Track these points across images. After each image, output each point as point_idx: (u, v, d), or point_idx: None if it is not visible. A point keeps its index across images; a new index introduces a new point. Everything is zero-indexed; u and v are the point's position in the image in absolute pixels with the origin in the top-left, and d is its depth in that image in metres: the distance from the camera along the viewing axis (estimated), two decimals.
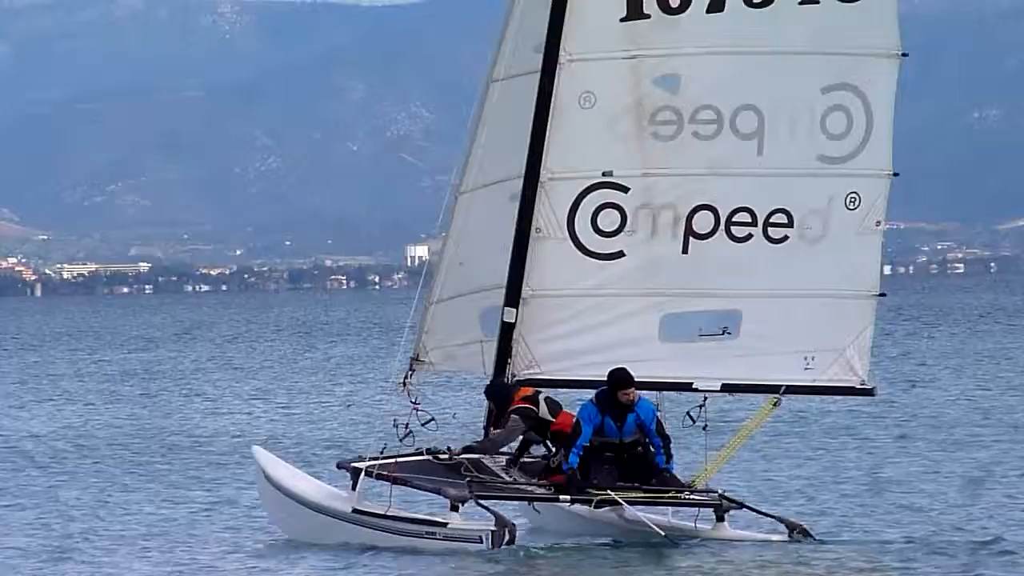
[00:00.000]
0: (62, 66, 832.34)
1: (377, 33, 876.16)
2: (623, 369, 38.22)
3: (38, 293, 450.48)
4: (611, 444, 38.38)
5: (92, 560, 38.01)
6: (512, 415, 38.07)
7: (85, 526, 42.86)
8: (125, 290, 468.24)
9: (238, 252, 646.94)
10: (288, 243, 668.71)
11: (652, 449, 38.66)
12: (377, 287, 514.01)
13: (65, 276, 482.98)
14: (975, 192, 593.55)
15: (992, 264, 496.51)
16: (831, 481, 49.04)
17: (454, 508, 38.39)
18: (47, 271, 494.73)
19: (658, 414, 38.44)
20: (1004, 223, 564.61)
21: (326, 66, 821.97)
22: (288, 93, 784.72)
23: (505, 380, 39.12)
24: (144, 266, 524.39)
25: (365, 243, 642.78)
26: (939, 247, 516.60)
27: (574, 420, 38.71)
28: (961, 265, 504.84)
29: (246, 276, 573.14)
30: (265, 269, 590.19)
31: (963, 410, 77.21)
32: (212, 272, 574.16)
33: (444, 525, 38.64)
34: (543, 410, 38.13)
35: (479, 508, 38.65)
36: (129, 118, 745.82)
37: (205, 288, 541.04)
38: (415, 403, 39.28)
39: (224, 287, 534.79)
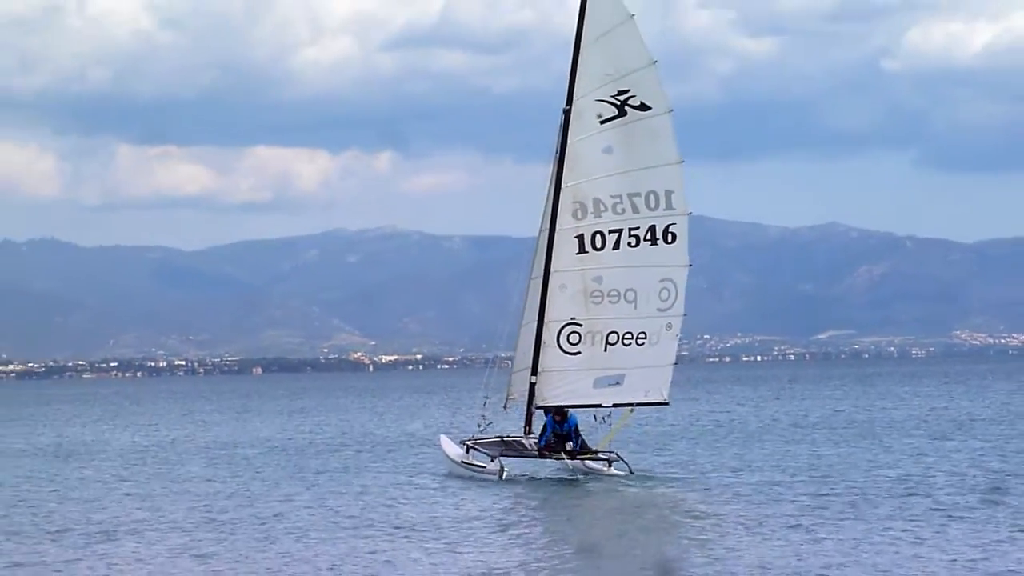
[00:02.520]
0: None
1: None
2: (561, 407, 64.11)
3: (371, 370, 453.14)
4: (560, 435, 63.55)
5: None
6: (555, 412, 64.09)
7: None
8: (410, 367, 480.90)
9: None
10: None
11: (574, 436, 63.51)
12: None
13: (384, 361, 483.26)
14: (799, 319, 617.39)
15: (806, 356, 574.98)
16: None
17: (492, 459, 64.59)
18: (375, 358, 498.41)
19: (578, 421, 64.58)
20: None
21: None
22: None
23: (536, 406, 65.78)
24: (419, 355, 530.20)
25: None
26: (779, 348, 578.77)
27: (543, 425, 65.19)
28: (793, 356, 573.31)
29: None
30: None
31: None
32: None
33: (483, 468, 65.03)
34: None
35: (507, 459, 64.54)
36: None
37: None
38: (484, 416, 66.00)
39: None
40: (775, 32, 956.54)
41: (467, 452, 66.68)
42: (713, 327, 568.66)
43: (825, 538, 45.63)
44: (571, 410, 64.23)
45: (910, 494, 57.63)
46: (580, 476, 63.51)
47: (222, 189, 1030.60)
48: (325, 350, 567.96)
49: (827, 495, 57.48)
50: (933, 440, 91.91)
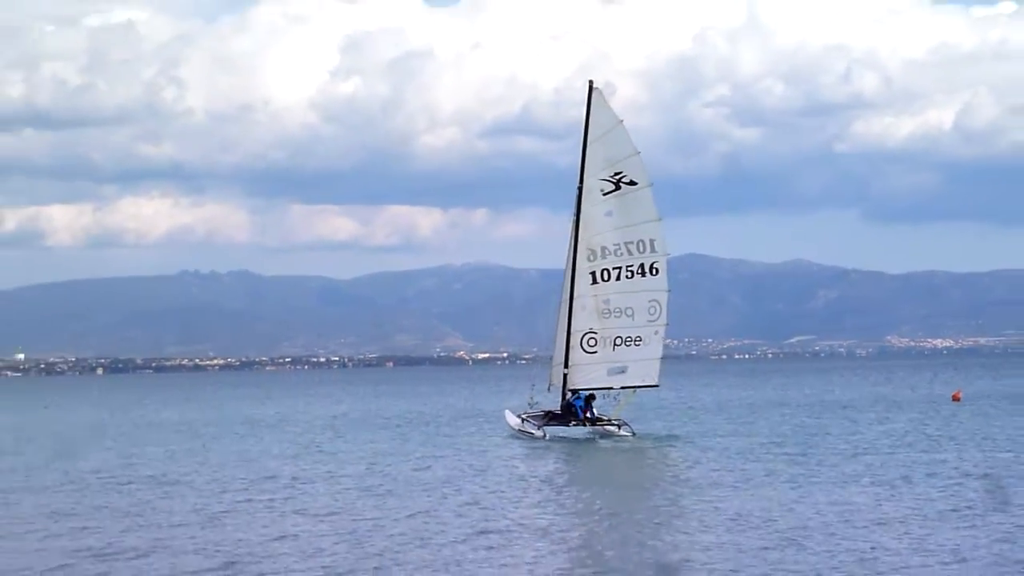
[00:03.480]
0: None
1: None
2: (578, 390, 64.11)
3: (470, 364, 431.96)
4: (572, 407, 63.47)
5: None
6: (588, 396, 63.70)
7: None
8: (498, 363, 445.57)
9: None
10: None
11: (583, 409, 63.26)
12: None
13: (479, 357, 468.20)
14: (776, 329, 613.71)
15: (780, 355, 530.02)
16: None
17: (540, 428, 64.28)
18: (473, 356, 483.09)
19: (590, 396, 64.11)
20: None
21: None
22: None
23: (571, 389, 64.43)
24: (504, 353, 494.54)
25: None
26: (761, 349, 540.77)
27: (573, 401, 64.37)
28: (771, 355, 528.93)
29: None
30: None
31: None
32: None
33: (531, 435, 64.37)
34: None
35: (546, 430, 63.96)
36: None
37: None
38: (532, 396, 65.93)
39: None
40: (759, 124, 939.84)
41: (522, 423, 66.93)
42: (714, 334, 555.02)
43: (797, 492, 42.82)
44: (583, 391, 64.59)
45: (865, 454, 56.04)
46: (598, 438, 63.60)
47: (365, 235, 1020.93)
48: (438, 349, 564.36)
49: (796, 455, 55.54)
50: (879, 413, 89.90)
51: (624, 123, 65.09)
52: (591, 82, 64.67)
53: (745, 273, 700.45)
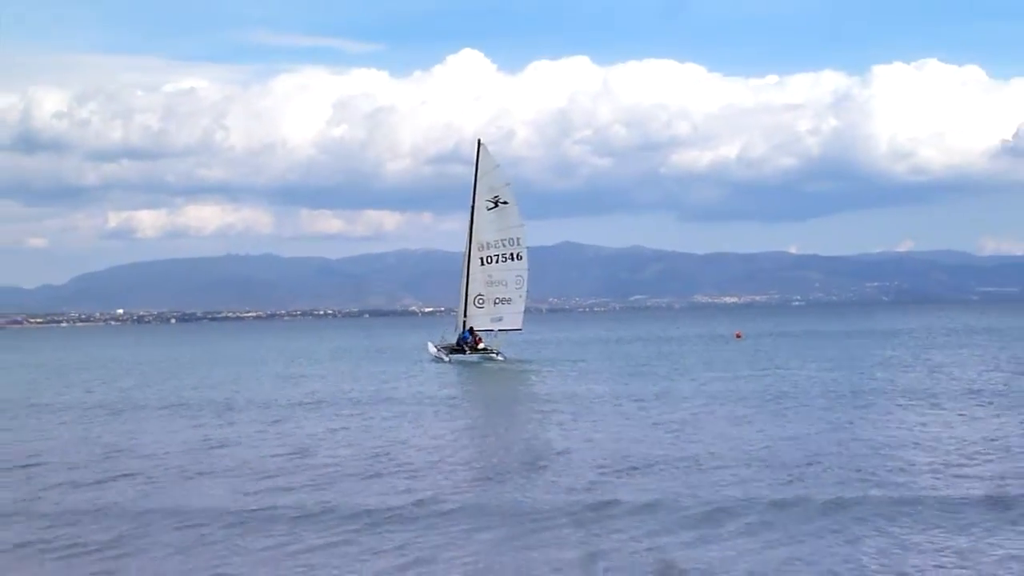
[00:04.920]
0: None
1: None
2: (471, 329, 63.10)
3: (420, 316, 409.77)
4: (468, 342, 62.63)
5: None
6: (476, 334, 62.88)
7: None
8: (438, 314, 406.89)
9: None
10: None
11: (471, 343, 62.25)
12: None
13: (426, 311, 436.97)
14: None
15: (617, 308, 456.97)
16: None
17: (447, 355, 63.31)
18: (423, 310, 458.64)
19: (471, 330, 62.92)
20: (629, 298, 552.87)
21: None
22: None
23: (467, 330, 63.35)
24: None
25: None
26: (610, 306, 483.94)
27: (459, 337, 63.53)
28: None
29: None
30: None
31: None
32: None
33: (441, 359, 63.41)
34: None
35: (451, 357, 62.45)
36: None
37: None
38: (443, 336, 65.82)
39: None
40: (610, 156, 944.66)
41: (436, 351, 66.25)
42: (580, 295, 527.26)
43: (624, 387, 42.59)
44: (475, 330, 63.94)
45: (675, 369, 56.15)
46: (483, 362, 62.20)
47: (349, 230, 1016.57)
48: (398, 306, 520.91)
49: (624, 373, 53.49)
50: (681, 345, 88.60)
51: (499, 167, 65.15)
52: (479, 140, 64.75)
53: (600, 254, 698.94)
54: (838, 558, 14.88)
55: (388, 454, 25.56)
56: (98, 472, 23.79)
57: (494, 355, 62.62)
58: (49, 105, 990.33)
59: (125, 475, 23.15)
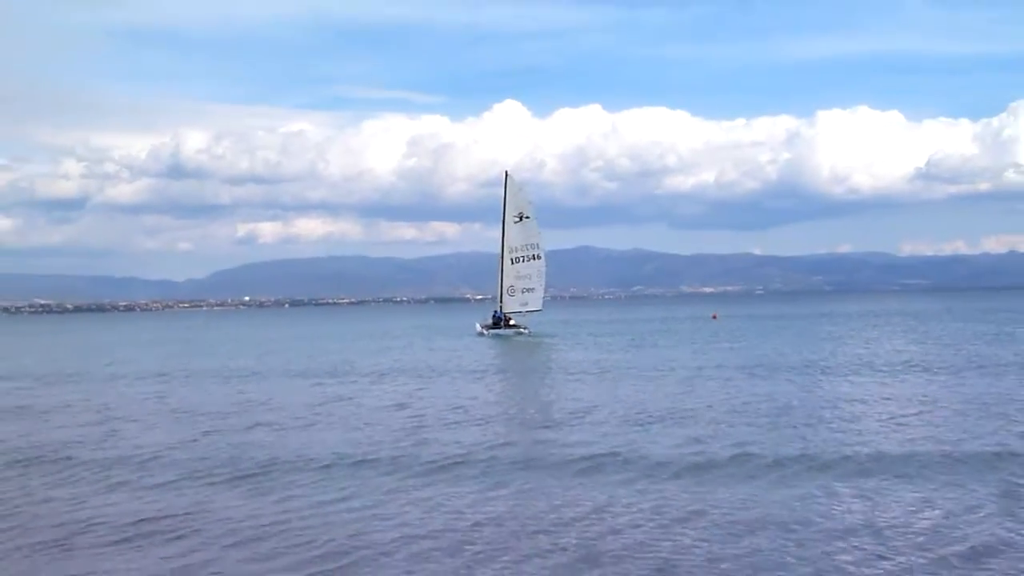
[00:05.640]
0: None
1: None
2: (507, 314, 62.12)
3: (473, 302, 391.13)
4: (501, 320, 62.25)
5: None
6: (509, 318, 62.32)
7: None
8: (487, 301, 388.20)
9: None
10: None
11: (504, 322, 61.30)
12: None
13: (477, 298, 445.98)
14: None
15: (623, 297, 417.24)
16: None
17: (487, 331, 62.62)
18: (475, 297, 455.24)
19: (507, 315, 61.71)
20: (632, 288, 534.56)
21: None
22: None
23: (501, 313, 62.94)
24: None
25: None
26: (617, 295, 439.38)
27: (494, 317, 62.67)
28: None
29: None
30: None
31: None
32: None
33: (483, 334, 62.55)
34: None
35: (490, 332, 61.87)
36: None
37: None
38: (485, 319, 65.08)
39: None
40: (617, 180, 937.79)
41: (481, 328, 65.24)
42: (595, 286, 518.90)
43: (626, 357, 41.05)
44: (506, 313, 63.06)
45: (673, 342, 54.64)
46: (515, 336, 61.08)
47: (419, 236, 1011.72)
48: (458, 294, 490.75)
49: (626, 345, 51.98)
50: (670, 323, 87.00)
51: (522, 190, 64.46)
52: (506, 172, 64.04)
53: (609, 255, 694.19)
54: (786, 498, 13.52)
55: (462, 407, 24.95)
56: (243, 420, 23.54)
57: (522, 330, 61.40)
58: (192, 143, 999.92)
59: (262, 424, 22.80)
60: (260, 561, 11.12)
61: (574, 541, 11.56)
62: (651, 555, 10.96)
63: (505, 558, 10.98)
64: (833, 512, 12.62)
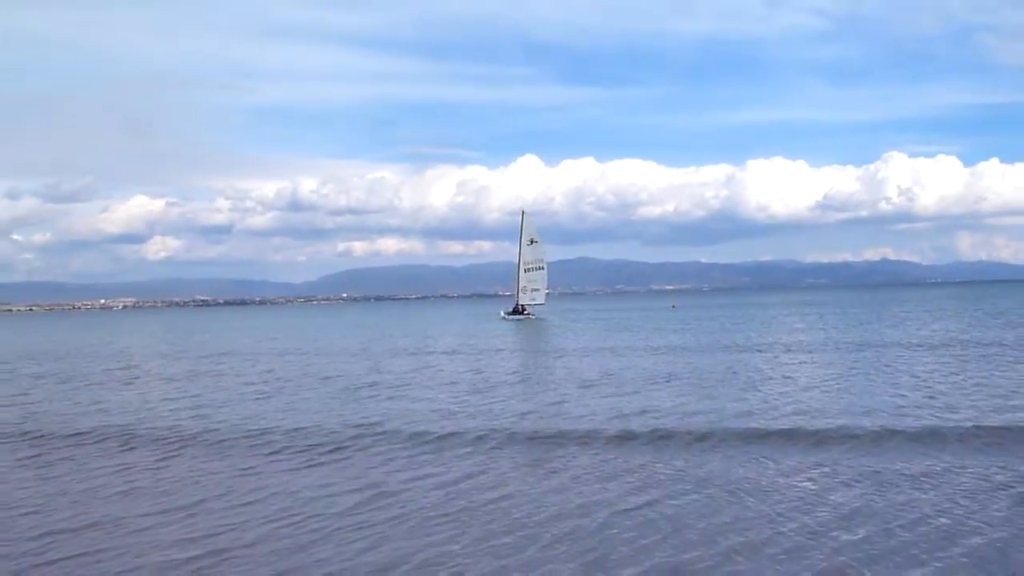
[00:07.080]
0: None
1: None
2: (523, 306, 60.36)
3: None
4: (518, 310, 60.78)
5: None
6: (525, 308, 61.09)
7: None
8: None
9: None
10: None
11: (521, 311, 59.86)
12: None
13: (505, 294, 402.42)
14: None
15: (610, 292, 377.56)
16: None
17: (507, 317, 61.10)
18: (504, 293, 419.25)
19: (523, 306, 59.42)
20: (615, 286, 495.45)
21: None
22: None
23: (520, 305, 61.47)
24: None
25: None
26: (606, 291, 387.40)
27: (514, 307, 61.01)
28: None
29: None
30: None
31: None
32: None
33: (505, 319, 61.11)
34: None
35: (510, 317, 59.84)
36: None
37: None
38: (507, 308, 62.90)
39: None
40: (605, 211, 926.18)
41: (503, 314, 63.14)
42: (590, 285, 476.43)
43: (609, 341, 36.82)
44: (521, 304, 60.96)
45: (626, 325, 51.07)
46: (526, 319, 59.60)
47: (469, 250, 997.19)
48: (495, 292, 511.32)
49: (613, 329, 47.93)
50: (632, 311, 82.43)
51: (533, 223, 61.73)
52: (523, 211, 61.44)
53: (599, 264, 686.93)
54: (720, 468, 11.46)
55: (487, 378, 22.79)
56: (361, 388, 21.35)
57: (530, 315, 60.39)
58: (306, 186, 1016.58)
59: (371, 385, 21.58)
60: None
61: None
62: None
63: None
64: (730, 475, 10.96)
